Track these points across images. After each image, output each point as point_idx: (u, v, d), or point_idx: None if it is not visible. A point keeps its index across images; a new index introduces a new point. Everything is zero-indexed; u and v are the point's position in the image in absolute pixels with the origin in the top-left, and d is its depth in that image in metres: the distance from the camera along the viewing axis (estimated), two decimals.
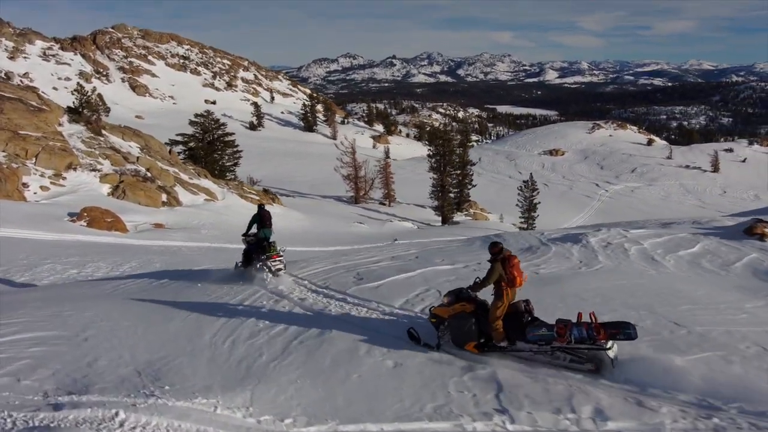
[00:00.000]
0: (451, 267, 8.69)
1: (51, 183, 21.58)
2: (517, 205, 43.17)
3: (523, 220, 42.42)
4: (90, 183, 22.99)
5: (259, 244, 9.39)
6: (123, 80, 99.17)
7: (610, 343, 5.15)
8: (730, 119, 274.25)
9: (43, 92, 30.14)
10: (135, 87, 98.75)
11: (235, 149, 39.35)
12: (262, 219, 9.87)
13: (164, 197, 24.99)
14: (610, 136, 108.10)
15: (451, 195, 47.29)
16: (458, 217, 50.10)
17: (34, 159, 22.06)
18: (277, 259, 9.04)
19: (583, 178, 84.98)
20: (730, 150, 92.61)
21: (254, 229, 9.95)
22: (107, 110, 27.98)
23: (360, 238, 29.07)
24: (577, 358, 5.24)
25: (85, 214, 18.38)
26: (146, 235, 19.03)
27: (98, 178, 23.53)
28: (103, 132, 27.41)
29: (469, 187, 50.42)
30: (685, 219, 18.00)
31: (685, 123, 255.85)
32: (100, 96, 28.48)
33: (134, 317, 5.92)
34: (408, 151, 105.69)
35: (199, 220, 24.16)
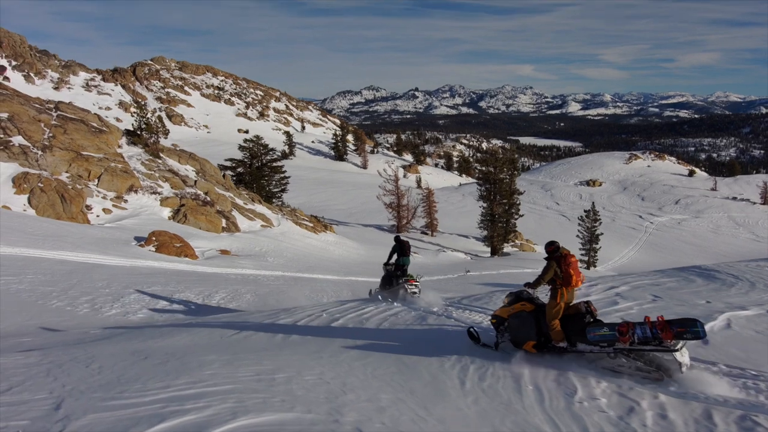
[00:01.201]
0: (755, 313, 6.15)
1: (113, 205, 20.49)
2: (577, 236, 40.79)
3: (584, 252, 39.89)
4: (151, 206, 21.85)
5: (399, 270, 10.27)
6: (160, 110, 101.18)
7: (680, 344, 4.59)
8: (762, 151, 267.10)
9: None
10: (171, 116, 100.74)
11: (282, 175, 38.36)
12: (402, 248, 10.50)
13: (224, 222, 23.70)
14: (649, 166, 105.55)
15: (501, 225, 45.21)
16: (506, 248, 48.08)
17: (96, 180, 21.08)
18: (414, 283, 9.86)
19: (624, 209, 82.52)
20: None
21: (394, 258, 10.55)
22: (166, 132, 27.20)
23: (423, 269, 27.17)
24: (644, 365, 4.74)
25: (154, 238, 17.04)
26: (215, 262, 17.57)
27: (159, 201, 22.40)
28: (161, 155, 26.55)
29: (516, 217, 48.25)
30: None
31: (715, 155, 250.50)
32: (159, 118, 27.80)
33: (379, 381, 4.08)
34: (438, 180, 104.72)
35: (260, 246, 22.73)
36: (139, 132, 26.60)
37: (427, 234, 54.27)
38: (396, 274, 9.97)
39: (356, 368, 4.44)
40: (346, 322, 6.88)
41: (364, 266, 24.76)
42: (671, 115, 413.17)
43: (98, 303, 9.93)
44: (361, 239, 38.02)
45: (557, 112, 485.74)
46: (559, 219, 76.49)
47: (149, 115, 26.61)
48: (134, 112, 27.45)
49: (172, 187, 23.74)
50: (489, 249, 46.33)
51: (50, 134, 21.43)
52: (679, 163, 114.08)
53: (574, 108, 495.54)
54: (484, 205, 45.27)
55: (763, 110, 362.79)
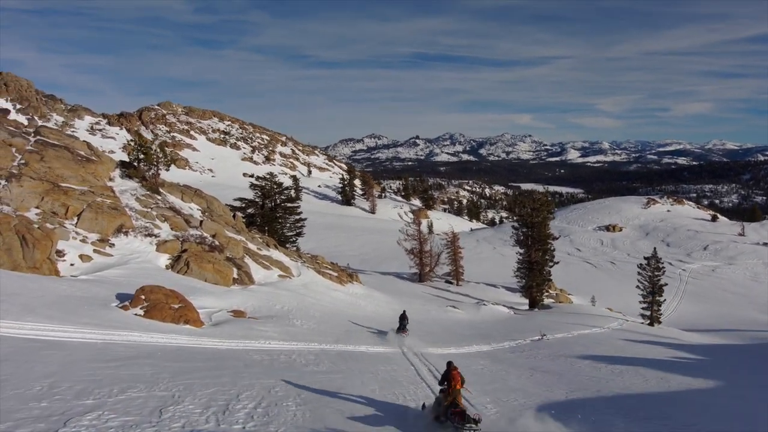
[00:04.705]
0: None
1: (95, 251, 15.70)
2: (637, 287, 35.62)
3: (645, 306, 34.50)
4: (144, 252, 17.05)
5: (401, 329, 17.84)
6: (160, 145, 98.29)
7: (475, 426, 7.12)
8: (764, 197, 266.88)
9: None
10: (175, 160, 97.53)
11: (298, 217, 33.71)
12: (403, 318, 18.16)
13: (235, 272, 18.81)
14: (668, 211, 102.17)
15: (541, 274, 40.11)
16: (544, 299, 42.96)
17: (75, 219, 16.41)
18: (405, 333, 17.53)
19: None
20: None
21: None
22: (168, 164, 22.81)
23: (473, 330, 21.98)
24: None
25: (143, 297, 12.15)
26: (227, 330, 12.56)
27: (155, 245, 17.62)
28: (161, 191, 22.03)
29: (551, 264, 43.08)
30: None
31: (717, 201, 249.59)
32: (161, 146, 23.47)
33: None
34: (449, 225, 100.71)
35: (281, 303, 17.75)
36: (135, 164, 22.19)
37: (452, 283, 49.06)
38: (400, 329, 17.44)
39: None
40: None
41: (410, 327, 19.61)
42: (669, 162, 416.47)
43: None
44: (387, 290, 32.95)
45: (557, 159, 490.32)
46: (584, 266, 71.64)
47: (152, 145, 22.24)
48: (130, 141, 23.20)
49: (172, 228, 19.01)
50: (526, 300, 41.19)
51: (21, 161, 16.99)
52: (698, 207, 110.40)
53: (573, 155, 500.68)
54: (521, 251, 40.50)
55: (761, 157, 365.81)
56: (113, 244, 16.61)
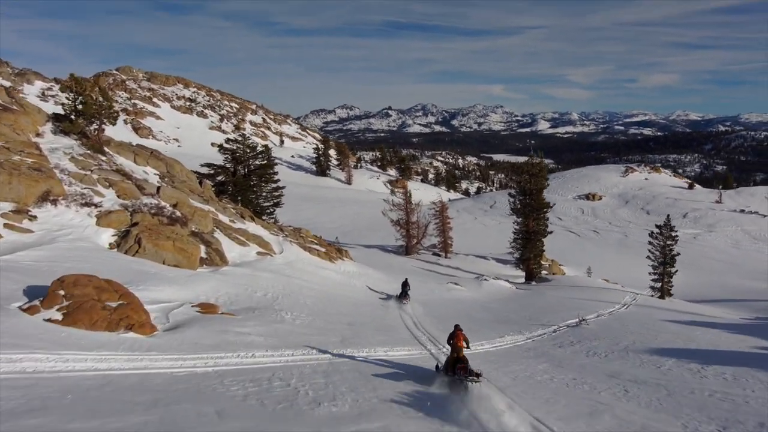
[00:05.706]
0: None
1: (5, 225, 11.50)
2: (648, 257, 33.18)
3: (656, 277, 32.15)
4: (80, 226, 12.91)
5: (404, 293, 18.89)
6: (125, 122, 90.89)
7: (473, 380, 8.30)
8: (724, 167, 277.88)
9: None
10: (138, 129, 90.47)
11: (276, 185, 29.54)
12: (405, 285, 19.14)
13: (203, 251, 14.87)
14: (646, 179, 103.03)
15: (538, 244, 37.41)
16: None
17: None
18: (406, 300, 18.31)
19: (631, 224, 78.55)
20: None
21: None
22: (114, 117, 18.20)
23: (491, 313, 18.71)
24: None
25: (62, 293, 8.13)
26: (190, 336, 8.76)
27: (95, 217, 13.47)
28: (106, 150, 17.58)
29: (546, 234, 40.51)
30: None
31: (680, 170, 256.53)
32: (104, 93, 18.68)
33: None
34: (427, 195, 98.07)
35: (264, 290, 14.01)
36: (72, 116, 17.55)
37: (440, 256, 46.11)
38: (402, 295, 18.47)
39: None
40: None
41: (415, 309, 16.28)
42: (636, 133, 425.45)
43: None
44: (378, 266, 29.50)
45: (527, 130, 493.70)
46: (568, 236, 70.32)
47: (87, 90, 17.44)
48: (62, 87, 18.44)
49: (119, 196, 14.79)
50: (520, 272, 38.66)
51: None
52: (675, 175, 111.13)
53: (543, 126, 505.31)
54: (518, 220, 37.61)
55: (722, 128, 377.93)
56: (35, 217, 12.39)
